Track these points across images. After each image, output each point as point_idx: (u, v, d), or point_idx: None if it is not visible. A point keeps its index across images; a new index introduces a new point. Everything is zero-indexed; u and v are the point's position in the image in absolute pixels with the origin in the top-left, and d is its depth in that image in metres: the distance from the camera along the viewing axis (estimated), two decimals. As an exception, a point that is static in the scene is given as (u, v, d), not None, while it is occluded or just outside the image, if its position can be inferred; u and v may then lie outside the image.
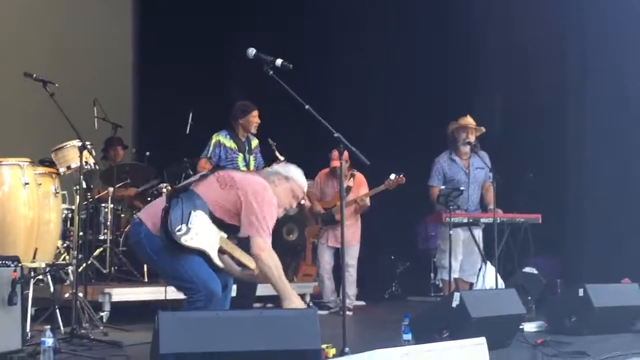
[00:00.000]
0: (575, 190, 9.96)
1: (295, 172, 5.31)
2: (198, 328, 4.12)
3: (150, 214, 5.01)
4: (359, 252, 9.16)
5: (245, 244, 5.03)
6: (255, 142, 7.44)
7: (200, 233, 4.84)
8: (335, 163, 8.77)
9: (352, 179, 9.05)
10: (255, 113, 7.40)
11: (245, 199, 4.94)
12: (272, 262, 4.94)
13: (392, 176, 8.70)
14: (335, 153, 8.73)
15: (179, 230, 4.75)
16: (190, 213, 4.80)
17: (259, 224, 4.90)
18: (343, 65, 11.33)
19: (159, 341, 4.00)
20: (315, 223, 9.28)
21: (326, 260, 9.09)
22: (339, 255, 9.09)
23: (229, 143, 7.18)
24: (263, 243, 4.89)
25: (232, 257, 5.09)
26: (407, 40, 10.73)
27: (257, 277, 5.18)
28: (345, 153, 8.66)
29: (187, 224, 4.79)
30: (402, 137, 10.50)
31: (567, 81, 10.16)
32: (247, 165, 7.23)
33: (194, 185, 5.01)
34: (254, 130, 7.38)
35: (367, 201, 8.91)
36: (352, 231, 9.05)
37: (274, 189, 5.16)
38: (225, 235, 5.01)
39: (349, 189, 9.00)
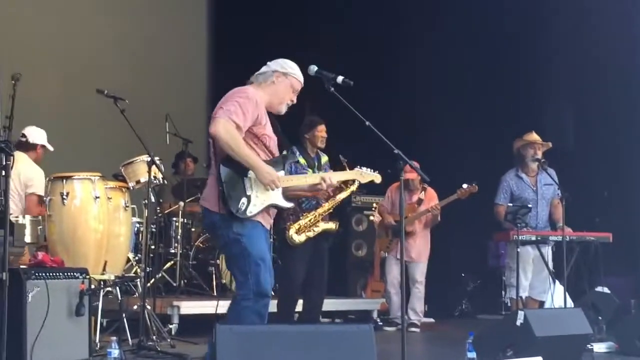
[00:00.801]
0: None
1: (292, 66, 5.22)
2: (254, 342, 4.15)
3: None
4: (429, 269, 9.13)
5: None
6: (324, 159, 7.45)
7: (259, 191, 4.93)
8: (410, 175, 8.74)
9: (423, 192, 9.03)
10: (322, 128, 7.40)
11: None
12: (229, 136, 4.81)
13: (465, 185, 8.65)
14: (408, 166, 8.71)
15: (242, 205, 4.85)
16: (242, 180, 4.87)
17: (218, 108, 4.91)
18: (406, 80, 11.29)
19: (216, 354, 4.05)
20: (385, 236, 9.27)
21: (394, 274, 9.04)
22: (406, 270, 9.06)
23: (300, 159, 7.22)
24: (217, 122, 4.82)
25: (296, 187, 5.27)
26: (472, 54, 10.66)
27: (323, 187, 5.31)
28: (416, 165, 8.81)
29: (244, 194, 4.88)
30: (469, 153, 10.41)
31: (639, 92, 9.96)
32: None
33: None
34: (320, 145, 7.37)
35: (439, 211, 8.86)
36: (422, 246, 9.03)
37: (276, 89, 5.15)
38: (281, 174, 5.05)
39: (420, 201, 9.00)
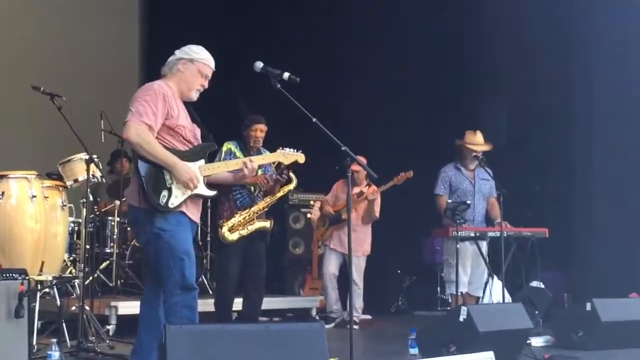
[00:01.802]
0: (582, 204, 9.93)
1: (198, 51, 5.17)
2: (205, 342, 4.10)
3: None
4: (367, 265, 9.16)
5: None
6: (267, 154, 7.40)
7: (180, 183, 4.91)
8: (355, 167, 8.77)
9: (367, 187, 9.07)
10: (257, 127, 7.36)
11: None
12: (142, 140, 4.81)
13: (401, 174, 8.74)
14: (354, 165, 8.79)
15: (163, 198, 4.85)
16: (161, 173, 4.86)
17: (129, 110, 4.89)
18: (349, 75, 11.34)
19: (166, 355, 3.99)
20: (323, 226, 9.28)
21: (331, 269, 9.04)
22: (344, 265, 9.08)
23: (239, 153, 7.18)
24: (128, 127, 4.82)
25: (218, 175, 5.25)
26: (414, 48, 10.74)
27: (246, 172, 5.26)
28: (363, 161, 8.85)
29: (165, 186, 4.87)
30: (408, 147, 10.48)
31: (574, 92, 10.14)
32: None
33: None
34: (254, 144, 7.34)
35: (376, 196, 8.89)
36: (361, 240, 9.05)
37: (183, 76, 5.10)
38: (201, 163, 5.06)
39: (361, 193, 9.02)
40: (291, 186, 7.24)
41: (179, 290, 4.88)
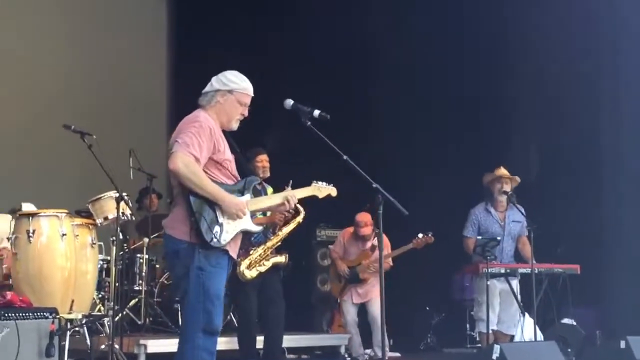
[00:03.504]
0: (613, 239, 9.83)
1: (235, 80, 5.07)
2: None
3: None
4: (393, 302, 9.08)
5: None
6: (270, 190, 7.36)
7: (230, 218, 4.87)
8: (365, 231, 8.90)
9: (376, 238, 9.03)
10: (261, 157, 7.35)
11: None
12: (189, 172, 4.72)
13: (420, 235, 8.71)
14: (362, 219, 8.89)
15: (216, 234, 4.78)
16: (213, 209, 4.81)
17: (174, 141, 4.81)
18: (377, 118, 11.34)
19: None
20: (338, 282, 9.27)
21: (352, 316, 9.09)
22: (363, 309, 9.12)
23: (270, 189, 7.15)
24: (176, 158, 4.71)
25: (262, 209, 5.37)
26: (438, 93, 10.73)
27: (288, 206, 5.27)
28: (368, 216, 8.89)
29: (216, 222, 4.81)
30: (436, 188, 10.44)
31: (602, 127, 10.09)
32: (264, 213, 7.14)
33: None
34: (262, 174, 7.28)
35: (390, 261, 8.91)
36: (374, 285, 9.04)
37: (222, 108, 5.02)
38: (247, 197, 5.01)
39: (373, 247, 9.01)
40: (299, 218, 7.17)
41: (202, 334, 4.79)
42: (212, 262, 4.83)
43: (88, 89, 11.05)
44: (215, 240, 4.80)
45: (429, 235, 8.69)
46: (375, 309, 8.90)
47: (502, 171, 8.28)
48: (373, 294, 8.97)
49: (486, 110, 10.61)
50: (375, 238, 8.99)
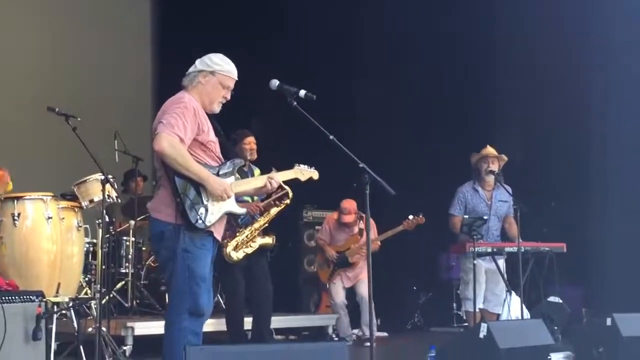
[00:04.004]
0: (600, 218, 9.88)
1: (219, 62, 5.05)
2: (226, 362, 4.07)
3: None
4: (380, 282, 9.12)
5: None
6: (257, 172, 7.37)
7: (214, 200, 4.87)
8: (348, 219, 8.95)
9: (361, 221, 9.05)
10: (249, 139, 7.36)
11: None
12: (175, 152, 4.72)
13: (410, 217, 8.75)
14: (347, 206, 8.92)
15: (201, 215, 4.78)
16: (198, 190, 4.81)
17: (158, 122, 4.81)
18: (364, 94, 11.33)
19: (186, 376, 3.94)
20: (327, 267, 9.29)
21: (340, 298, 9.14)
22: (350, 291, 9.23)
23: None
24: (160, 138, 4.71)
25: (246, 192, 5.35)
26: (427, 69, 10.72)
27: (269, 188, 5.24)
28: (353, 203, 8.91)
29: (201, 203, 4.81)
30: (424, 166, 10.46)
31: (590, 107, 10.11)
32: (252, 198, 7.13)
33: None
34: (250, 157, 7.29)
35: (378, 242, 9.00)
36: (362, 266, 9.13)
37: (204, 89, 4.99)
38: (232, 180, 5.02)
39: (361, 231, 9.08)
40: (287, 201, 7.18)
41: (188, 316, 4.79)
42: (197, 244, 4.84)
43: (73, 72, 11.00)
44: (200, 221, 4.80)
45: (420, 216, 8.74)
46: (364, 289, 8.92)
47: (489, 150, 8.27)
48: (362, 276, 9.03)
49: (473, 90, 10.62)
50: (362, 222, 9.02)
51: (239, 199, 5.32)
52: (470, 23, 10.43)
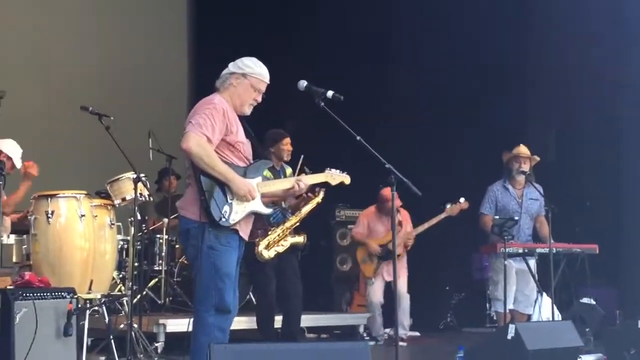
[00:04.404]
0: (634, 218, 9.78)
1: (251, 65, 5.14)
2: (250, 360, 4.11)
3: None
4: (413, 282, 9.16)
5: None
6: (289, 171, 7.41)
7: (239, 199, 4.95)
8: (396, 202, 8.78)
9: (399, 214, 9.05)
10: (287, 140, 7.40)
11: None
12: (202, 151, 4.82)
13: (448, 205, 8.67)
14: (388, 193, 8.77)
15: (224, 213, 4.87)
16: (222, 189, 4.89)
17: (187, 122, 4.92)
18: (395, 94, 11.32)
19: (211, 374, 4.00)
20: (370, 261, 9.23)
21: (378, 296, 9.08)
22: (387, 289, 9.12)
23: (267, 173, 7.16)
24: (188, 137, 4.83)
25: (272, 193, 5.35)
26: (460, 69, 10.69)
27: (297, 190, 5.30)
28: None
29: (226, 202, 4.90)
30: (456, 166, 10.44)
31: (624, 105, 10.02)
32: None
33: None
34: (286, 158, 7.35)
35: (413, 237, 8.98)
36: (402, 263, 9.09)
37: (235, 91, 5.10)
38: (258, 180, 5.10)
39: (400, 223, 9.02)
40: (318, 199, 7.22)
41: (214, 312, 4.90)
42: (222, 241, 4.93)
43: (109, 72, 11.10)
44: (224, 219, 4.89)
45: (462, 201, 8.62)
46: (403, 287, 8.96)
47: (522, 150, 8.23)
48: (401, 272, 9.02)
49: (506, 89, 10.56)
50: (399, 214, 9.02)
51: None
52: (502, 19, 10.38)
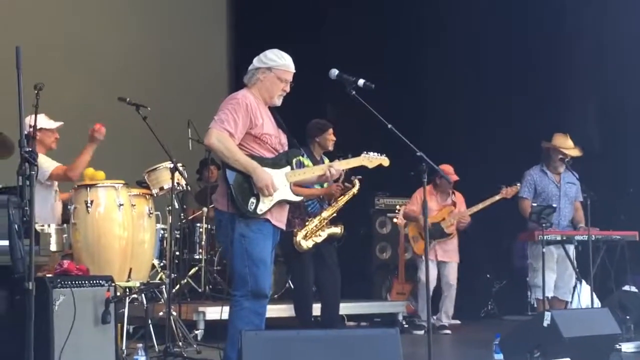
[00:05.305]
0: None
1: (274, 58, 5.24)
2: (281, 348, 4.16)
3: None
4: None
5: None
6: (327, 162, 7.43)
7: (259, 190, 5.03)
8: (454, 177, 8.70)
9: (454, 195, 9.04)
10: (331, 131, 7.44)
11: None
12: (222, 146, 4.99)
13: (503, 187, 8.60)
14: (447, 169, 8.68)
15: (251, 205, 4.98)
16: (248, 181, 4.99)
17: (213, 120, 5.08)
18: (428, 80, 11.29)
19: (242, 360, 4.05)
20: (421, 239, 9.18)
21: (431, 278, 8.97)
22: (439, 271, 9.07)
23: (307, 162, 7.14)
24: (210, 134, 5.03)
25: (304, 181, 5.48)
26: (498, 55, 10.63)
27: (329, 177, 5.40)
28: (451, 167, 8.78)
29: (252, 193, 5.00)
30: (493, 153, 10.38)
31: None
32: (322, 185, 7.20)
33: None
34: (331, 148, 7.40)
35: (468, 217, 8.96)
36: (454, 247, 9.13)
37: (263, 85, 5.21)
38: (287, 170, 5.20)
39: (454, 204, 9.08)
40: (354, 190, 7.26)
41: (251, 297, 5.02)
42: (252, 229, 5.05)
43: (148, 62, 11.20)
44: (250, 211, 5.00)
45: (517, 184, 8.55)
46: (452, 275, 9.02)
47: (565, 143, 8.13)
48: (452, 257, 9.07)
49: (546, 74, 10.46)
50: (454, 195, 9.02)
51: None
52: (543, 10, 10.29)
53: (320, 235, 7.23)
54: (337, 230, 7.32)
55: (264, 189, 5.02)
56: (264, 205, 5.04)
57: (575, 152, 8.13)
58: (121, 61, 10.89)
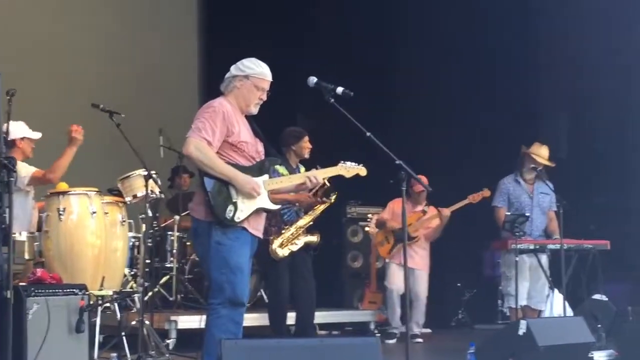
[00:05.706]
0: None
1: (251, 66, 5.24)
2: (261, 356, 4.13)
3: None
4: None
5: None
6: (303, 170, 7.41)
7: (245, 197, 5.03)
8: (418, 188, 8.73)
9: (427, 206, 9.06)
10: (307, 138, 7.42)
11: None
12: (201, 155, 4.96)
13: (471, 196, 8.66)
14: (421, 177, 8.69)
15: (229, 212, 4.96)
16: (227, 188, 4.98)
17: (190, 129, 5.05)
18: (403, 88, 11.32)
19: (221, 369, 4.01)
20: (387, 242, 9.20)
21: (397, 285, 8.98)
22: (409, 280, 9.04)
23: (282, 170, 7.12)
24: (188, 143, 5.00)
25: (282, 189, 5.44)
26: (470, 65, 10.68)
27: (309, 186, 5.40)
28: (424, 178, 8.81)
29: (230, 201, 4.98)
30: (466, 161, 10.42)
31: (634, 104, 9.97)
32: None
33: None
34: (307, 156, 7.37)
35: (448, 217, 8.87)
36: (423, 256, 9.09)
37: (240, 93, 5.20)
38: (265, 178, 5.17)
39: (424, 212, 9.06)
40: (332, 199, 7.26)
41: (228, 305, 4.99)
42: (230, 237, 5.03)
43: (120, 69, 11.10)
44: (228, 218, 4.98)
45: (483, 190, 8.58)
46: (422, 287, 8.98)
47: (540, 152, 8.19)
48: (421, 266, 9.03)
49: (517, 84, 10.52)
50: (427, 205, 9.05)
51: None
52: (513, 20, 10.37)
53: (296, 244, 7.20)
54: (313, 238, 7.29)
55: (252, 192, 5.02)
56: (242, 213, 5.03)
57: (546, 162, 8.19)
58: (94, 69, 10.80)
